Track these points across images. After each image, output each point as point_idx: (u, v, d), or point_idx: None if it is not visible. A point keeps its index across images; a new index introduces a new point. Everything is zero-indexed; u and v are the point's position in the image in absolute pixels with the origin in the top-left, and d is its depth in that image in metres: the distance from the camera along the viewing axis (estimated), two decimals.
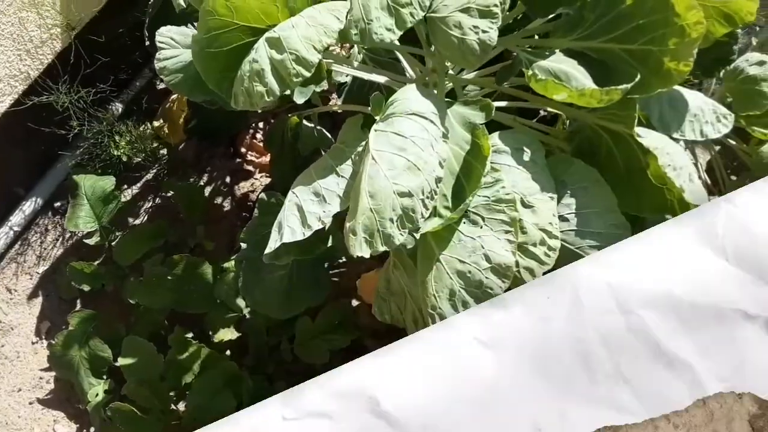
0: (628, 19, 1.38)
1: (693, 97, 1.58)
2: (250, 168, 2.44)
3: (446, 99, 1.43)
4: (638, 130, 1.35)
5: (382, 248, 1.20)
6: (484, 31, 1.24)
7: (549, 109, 1.65)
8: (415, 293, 1.48)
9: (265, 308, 1.82)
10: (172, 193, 2.37)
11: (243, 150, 2.46)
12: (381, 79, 1.66)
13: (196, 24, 1.69)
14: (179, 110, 2.45)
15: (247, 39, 1.40)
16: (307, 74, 1.27)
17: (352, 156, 1.40)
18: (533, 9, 1.45)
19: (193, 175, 2.41)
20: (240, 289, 1.80)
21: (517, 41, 1.51)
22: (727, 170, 2.08)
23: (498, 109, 1.55)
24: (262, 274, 1.79)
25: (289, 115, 2.16)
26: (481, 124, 1.32)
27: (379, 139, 1.25)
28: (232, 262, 1.93)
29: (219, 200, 2.38)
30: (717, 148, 2.10)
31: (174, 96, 2.49)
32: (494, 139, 1.37)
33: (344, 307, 2.01)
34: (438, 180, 1.25)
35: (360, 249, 1.19)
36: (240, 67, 1.35)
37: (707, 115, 1.58)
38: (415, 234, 1.32)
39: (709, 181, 2.04)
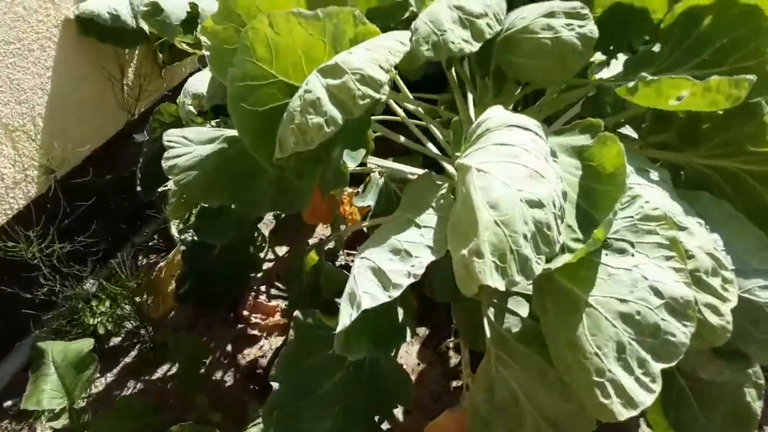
0: (708, 42, 1.25)
1: None
2: (256, 332, 2.03)
3: None
4: None
5: (518, 277, 0.83)
6: (580, 26, 1.06)
7: None
8: (537, 395, 1.05)
9: None
10: (157, 375, 1.90)
11: (246, 313, 2.07)
12: (418, 171, 1.43)
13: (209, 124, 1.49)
14: (168, 277, 2.10)
15: (285, 100, 1.18)
16: (377, 96, 1.03)
17: (432, 204, 1.09)
18: (599, 44, 1.31)
19: None
20: None
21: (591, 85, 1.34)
22: None
23: None
24: (302, 426, 1.30)
25: (307, 248, 1.85)
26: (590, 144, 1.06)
27: (478, 155, 0.96)
28: (253, 430, 1.42)
29: (219, 374, 1.91)
30: None
31: (162, 264, 2.16)
32: None
33: None
34: (564, 195, 0.94)
35: (491, 276, 0.82)
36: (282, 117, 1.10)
37: None
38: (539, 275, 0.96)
39: None
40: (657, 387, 0.85)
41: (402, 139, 1.42)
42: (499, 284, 0.82)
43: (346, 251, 2.30)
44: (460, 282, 0.87)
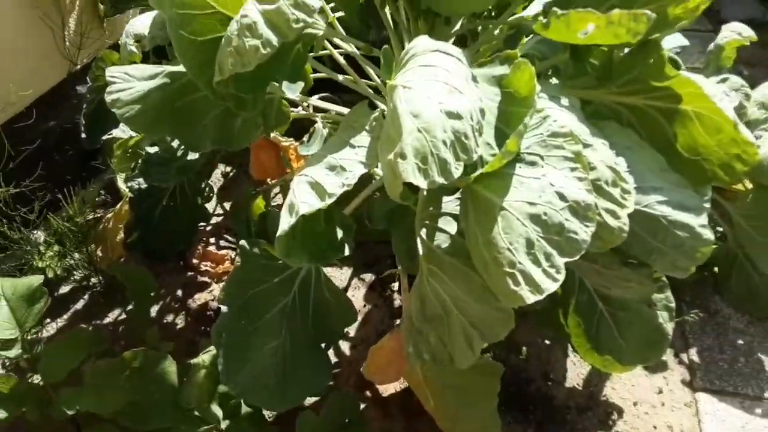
0: None
1: None
2: (206, 279, 2.08)
3: None
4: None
5: (438, 179, 0.93)
6: None
7: None
8: (463, 302, 1.16)
9: (255, 397, 1.38)
10: (108, 319, 1.94)
11: (195, 261, 2.12)
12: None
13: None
14: (116, 227, 2.12)
15: (224, 32, 1.23)
16: (309, 20, 1.10)
17: (366, 127, 1.17)
18: None
19: None
20: (221, 375, 1.36)
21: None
22: None
23: None
24: (249, 351, 1.38)
25: (253, 192, 1.91)
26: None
27: (405, 75, 1.05)
28: (205, 356, 1.49)
29: (170, 317, 1.96)
30: None
31: (109, 215, 2.18)
32: None
33: (350, 400, 1.57)
34: (482, 112, 1.04)
35: (414, 175, 0.91)
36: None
37: None
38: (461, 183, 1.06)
39: None
40: (561, 277, 0.96)
41: (341, 78, 1.50)
42: (421, 183, 0.91)
43: None
44: (388, 185, 0.97)
